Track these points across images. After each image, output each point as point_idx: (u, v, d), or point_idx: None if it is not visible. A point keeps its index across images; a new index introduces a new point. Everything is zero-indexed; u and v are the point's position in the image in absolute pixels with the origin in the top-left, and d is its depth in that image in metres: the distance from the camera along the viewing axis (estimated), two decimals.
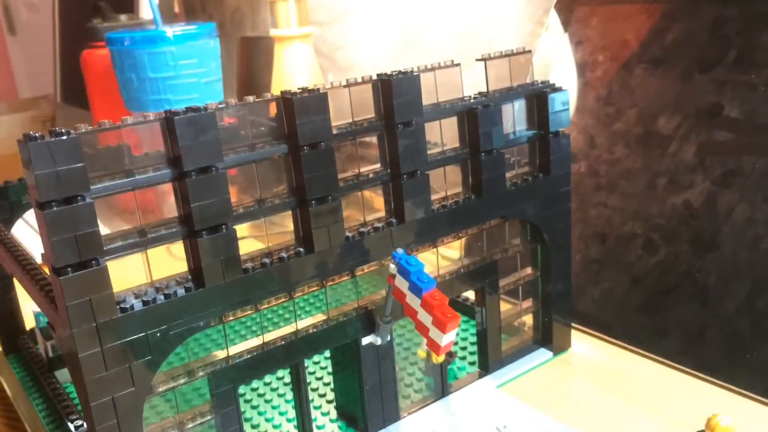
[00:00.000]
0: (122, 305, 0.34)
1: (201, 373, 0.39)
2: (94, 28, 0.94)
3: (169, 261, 0.40)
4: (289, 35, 0.77)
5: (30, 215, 0.81)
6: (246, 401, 0.52)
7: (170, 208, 0.38)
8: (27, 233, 0.87)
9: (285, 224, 0.67)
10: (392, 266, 0.42)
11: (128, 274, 0.37)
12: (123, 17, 0.97)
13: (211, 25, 0.83)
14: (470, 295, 0.61)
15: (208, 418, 0.40)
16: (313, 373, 0.55)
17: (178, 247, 0.38)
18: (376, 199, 0.47)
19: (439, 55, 0.89)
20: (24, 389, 0.55)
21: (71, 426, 0.47)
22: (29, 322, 0.61)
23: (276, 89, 0.81)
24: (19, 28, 2.33)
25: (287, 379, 0.54)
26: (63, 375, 0.55)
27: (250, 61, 0.98)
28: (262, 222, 0.41)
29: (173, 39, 0.79)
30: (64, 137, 0.31)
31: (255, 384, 0.54)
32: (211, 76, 0.84)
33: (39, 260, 0.43)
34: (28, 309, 0.60)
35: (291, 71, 0.78)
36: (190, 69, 0.82)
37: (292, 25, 0.77)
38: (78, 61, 0.99)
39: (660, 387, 0.50)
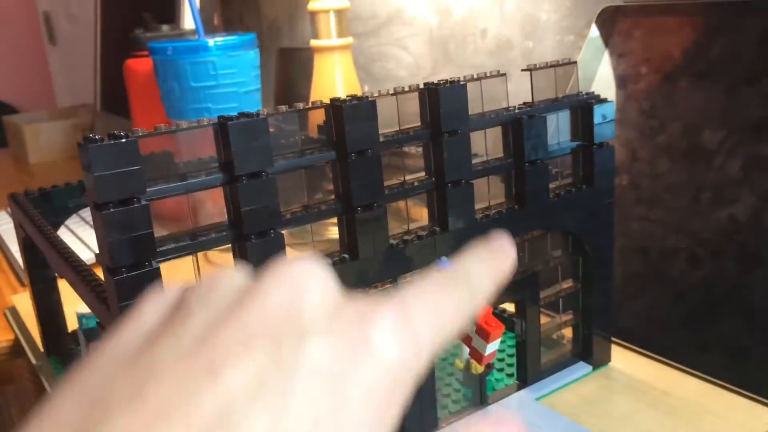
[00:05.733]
0: None
1: None
2: (137, 38, 0.96)
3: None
4: (329, 46, 0.78)
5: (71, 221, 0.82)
6: None
7: (205, 217, 0.39)
8: (69, 237, 0.88)
9: (321, 233, 0.67)
10: None
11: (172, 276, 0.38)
12: (165, 27, 0.99)
13: (251, 36, 0.84)
14: (507, 306, 0.60)
15: None
16: None
17: (214, 254, 0.39)
18: (413, 209, 0.47)
19: (475, 69, 0.89)
20: None
21: None
22: (71, 324, 0.62)
23: (315, 99, 0.82)
24: (59, 38, 2.39)
25: None
26: None
27: (288, 72, 0.99)
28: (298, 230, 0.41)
29: (215, 49, 0.81)
30: (123, 140, 0.32)
31: None
32: (250, 86, 0.85)
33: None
34: (70, 311, 0.62)
35: (330, 82, 0.79)
36: (230, 79, 0.83)
37: (332, 36, 0.78)
38: (118, 70, 1.02)
39: (702, 404, 0.49)
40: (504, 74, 0.46)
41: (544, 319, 0.52)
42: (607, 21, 0.69)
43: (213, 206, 0.48)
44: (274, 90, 1.02)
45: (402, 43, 1.01)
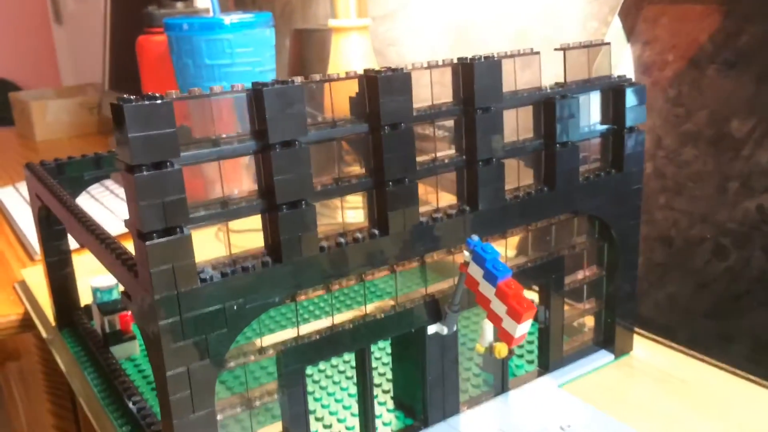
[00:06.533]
0: (202, 275, 0.34)
1: (271, 351, 0.38)
2: (150, 14, 0.95)
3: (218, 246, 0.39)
4: (347, 26, 0.77)
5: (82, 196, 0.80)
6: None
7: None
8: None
9: (334, 216, 0.66)
10: (466, 253, 0.41)
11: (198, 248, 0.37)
12: (179, 4, 0.98)
13: (267, 15, 0.83)
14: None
15: (276, 397, 0.39)
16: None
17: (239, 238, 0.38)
18: (432, 193, 0.46)
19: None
20: (78, 364, 0.55)
21: (129, 403, 0.47)
22: (83, 299, 0.62)
23: None
24: (65, 17, 2.37)
25: (341, 368, 0.54)
26: (118, 351, 0.55)
27: (302, 54, 0.98)
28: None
29: (230, 27, 0.80)
30: (158, 101, 0.31)
31: (313, 373, 0.53)
32: (265, 66, 0.84)
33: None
34: (83, 285, 0.61)
35: (348, 62, 0.78)
36: (245, 57, 0.82)
37: (351, 16, 0.77)
38: (128, 48, 1.00)
39: (726, 394, 0.48)
40: (538, 52, 0.45)
41: (565, 307, 0.52)
42: (633, 8, 0.68)
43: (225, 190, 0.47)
44: (287, 72, 1.01)
45: (418, 29, 1.00)
